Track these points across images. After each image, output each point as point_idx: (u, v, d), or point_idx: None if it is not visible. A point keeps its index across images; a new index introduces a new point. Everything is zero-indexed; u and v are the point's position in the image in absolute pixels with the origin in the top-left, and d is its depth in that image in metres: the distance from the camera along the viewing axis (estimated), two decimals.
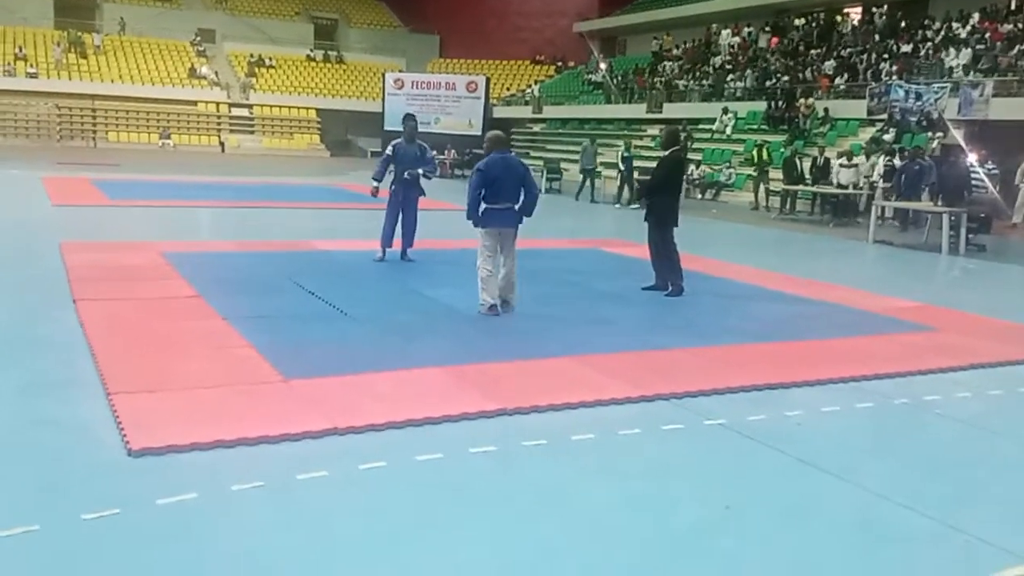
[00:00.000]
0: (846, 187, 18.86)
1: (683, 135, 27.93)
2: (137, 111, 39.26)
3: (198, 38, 44.58)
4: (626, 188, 21.83)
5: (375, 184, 10.60)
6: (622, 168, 22.02)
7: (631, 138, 32.93)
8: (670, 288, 9.25)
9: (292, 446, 4.50)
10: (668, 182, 9.42)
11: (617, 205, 21.57)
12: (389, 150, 10.47)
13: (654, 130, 32.15)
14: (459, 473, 4.32)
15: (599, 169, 23.73)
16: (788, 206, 20.67)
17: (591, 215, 20.12)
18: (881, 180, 19.02)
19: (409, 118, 10.69)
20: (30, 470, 4.09)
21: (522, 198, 8.04)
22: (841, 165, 19.22)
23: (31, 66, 38.28)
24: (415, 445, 4.59)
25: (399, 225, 10.49)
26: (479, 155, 9.57)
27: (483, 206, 7.89)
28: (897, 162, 18.80)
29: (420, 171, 10.40)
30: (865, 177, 19.43)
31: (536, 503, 4.03)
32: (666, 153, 9.39)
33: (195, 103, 41.08)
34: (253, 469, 4.17)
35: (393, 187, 10.46)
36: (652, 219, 9.37)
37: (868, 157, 20.30)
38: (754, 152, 22.55)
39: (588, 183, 22.93)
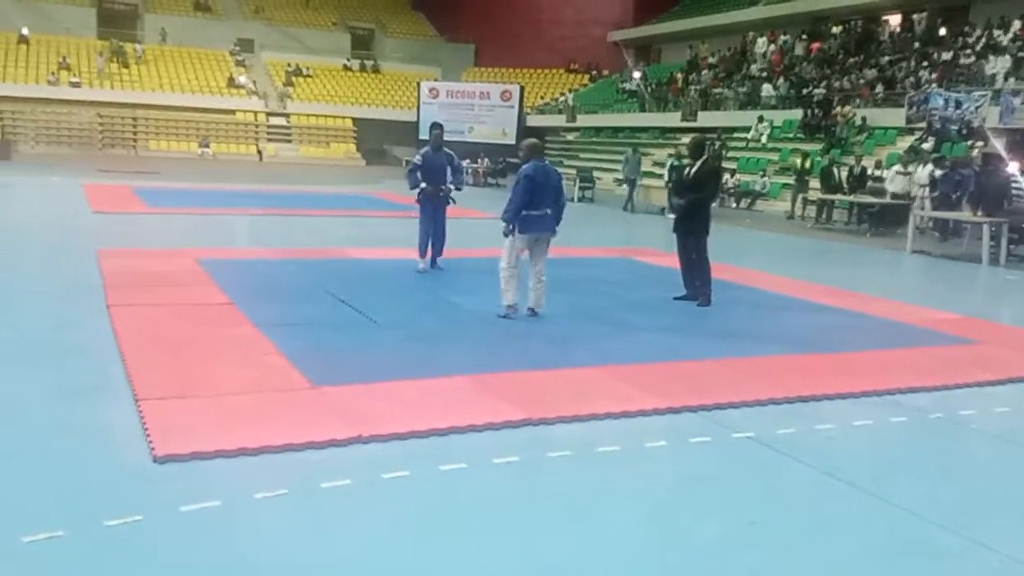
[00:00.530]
0: (901, 195, 18.38)
1: (717, 143, 27.90)
2: (177, 120, 39.80)
3: (237, 48, 45.14)
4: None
5: (417, 192, 10.51)
6: (667, 177, 21.23)
7: (666, 146, 32.89)
8: (700, 299, 9.17)
9: (317, 454, 4.51)
10: (706, 192, 9.36)
11: (664, 214, 20.63)
12: (418, 159, 10.48)
13: (688, 138, 32.03)
14: (482, 483, 4.30)
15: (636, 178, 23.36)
16: (824, 215, 20.42)
17: (633, 225, 20.03)
18: (926, 190, 18.61)
19: (435, 127, 10.69)
20: (56, 475, 4.13)
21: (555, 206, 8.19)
22: (898, 172, 18.90)
23: (74, 75, 38.99)
24: (439, 454, 4.57)
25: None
26: (512, 163, 9.61)
27: (523, 212, 7.96)
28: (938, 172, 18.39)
29: (452, 186, 10.48)
30: (921, 186, 18.90)
31: (559, 515, 3.99)
32: (698, 163, 9.32)
33: (234, 112, 41.58)
34: (277, 477, 4.18)
35: (421, 197, 10.45)
36: (687, 229, 9.30)
37: (906, 166, 19.92)
38: (797, 161, 22.29)
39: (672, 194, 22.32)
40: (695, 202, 9.27)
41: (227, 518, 3.78)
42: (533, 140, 8.51)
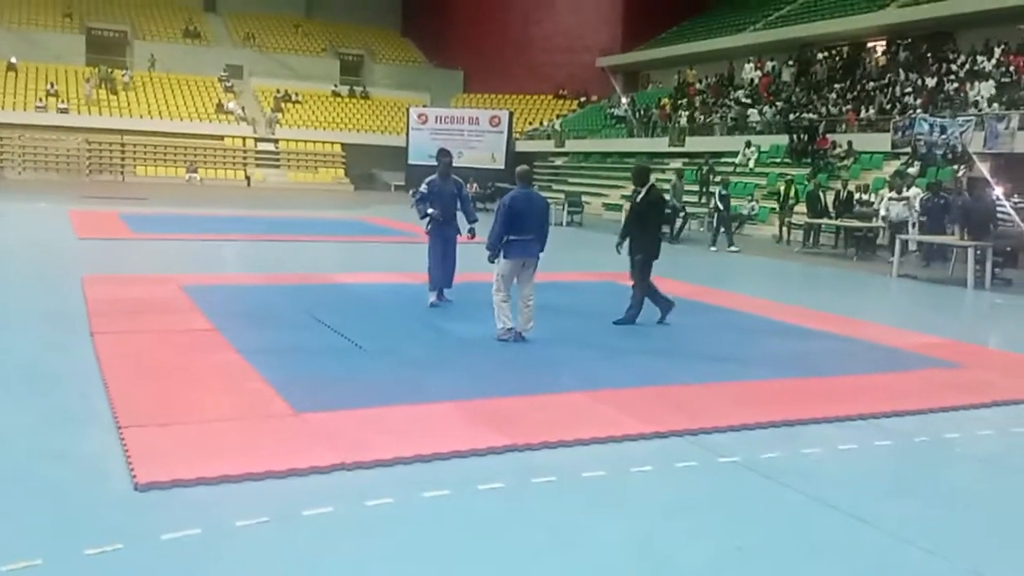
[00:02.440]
0: (897, 223, 17.19)
1: (705, 168, 27.85)
2: (165, 146, 39.80)
3: (226, 74, 45.26)
4: (722, 229, 19.58)
5: (426, 222, 9.93)
6: (720, 207, 19.76)
7: (653, 171, 33.03)
8: (634, 314, 9.29)
9: (299, 481, 4.47)
10: (649, 221, 9.41)
11: (713, 248, 19.17)
12: (425, 188, 9.87)
13: (676, 163, 32.22)
14: (467, 511, 4.26)
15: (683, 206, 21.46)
16: (811, 240, 20.52)
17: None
18: (916, 214, 18.55)
19: (444, 154, 10.17)
20: (36, 503, 4.09)
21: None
22: (891, 199, 17.61)
23: (62, 102, 39.01)
24: (423, 481, 4.54)
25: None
26: (501, 188, 9.59)
27: (506, 238, 8.07)
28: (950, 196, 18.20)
29: (469, 227, 10.02)
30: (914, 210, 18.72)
31: (544, 542, 3.96)
32: (643, 193, 9.34)
33: (222, 138, 41.63)
34: (258, 504, 4.14)
35: (430, 227, 9.93)
36: (642, 256, 9.30)
37: (900, 192, 19.88)
38: (781, 187, 22.40)
39: (720, 225, 20.02)
40: (631, 230, 9.35)
41: (208, 546, 3.74)
42: (523, 168, 8.64)
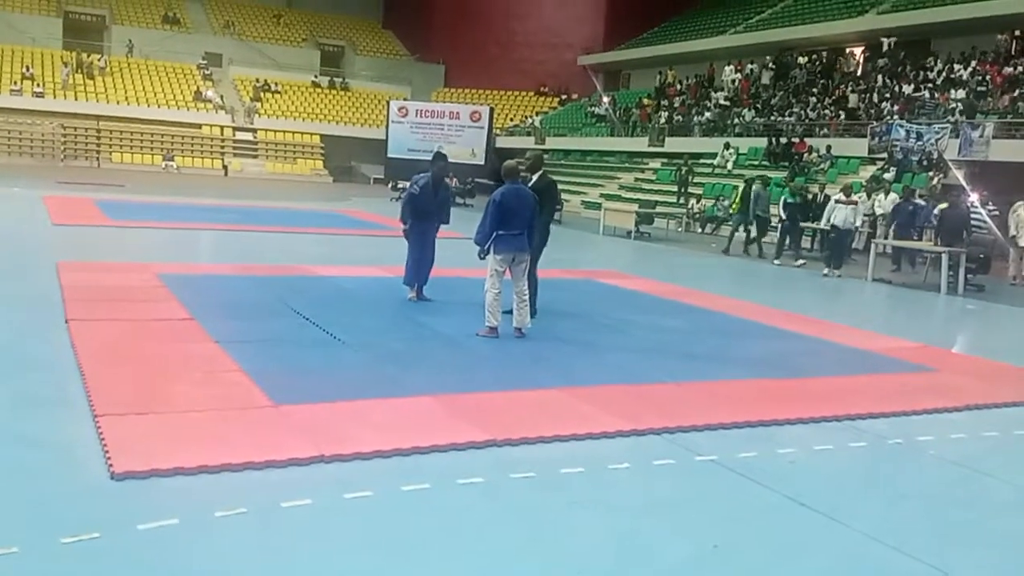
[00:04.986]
0: (841, 228, 16.11)
1: (684, 169, 27.78)
2: (142, 133, 39.41)
3: (205, 62, 44.87)
4: (787, 239, 18.11)
5: (404, 228, 9.70)
6: (783, 216, 18.04)
7: (633, 170, 33.16)
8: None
9: (278, 473, 4.46)
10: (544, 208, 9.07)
11: (776, 262, 17.51)
12: (416, 189, 9.51)
13: (656, 163, 32.34)
14: (446, 505, 4.27)
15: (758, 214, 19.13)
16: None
17: (601, 247, 20.10)
18: (866, 221, 18.53)
19: (440, 157, 9.86)
20: (12, 491, 4.04)
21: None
22: (837, 202, 16.41)
23: (38, 86, 38.51)
24: (402, 475, 4.54)
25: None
26: (481, 184, 9.48)
27: (497, 232, 8.05)
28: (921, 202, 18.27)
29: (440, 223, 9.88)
30: (865, 215, 18.43)
31: (522, 537, 3.98)
32: (535, 178, 9.02)
33: (200, 126, 41.26)
34: (237, 495, 4.13)
35: (410, 223, 9.66)
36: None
37: (869, 195, 20.17)
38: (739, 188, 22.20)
39: (756, 234, 18.63)
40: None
41: (186, 537, 3.72)
42: (510, 163, 8.54)
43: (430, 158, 9.91)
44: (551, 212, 9.72)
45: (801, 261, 17.43)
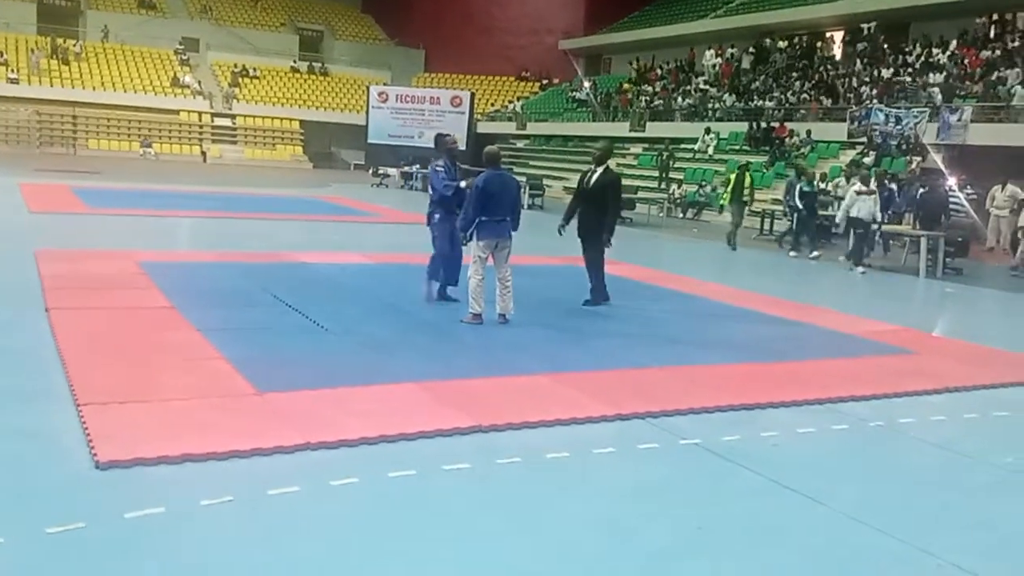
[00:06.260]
0: (867, 221, 14.73)
1: (665, 154, 27.65)
2: (119, 119, 38.97)
3: (182, 47, 44.40)
4: (803, 233, 17.06)
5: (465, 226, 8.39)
6: (799, 205, 16.81)
7: (614, 156, 33.12)
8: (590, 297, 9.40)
9: (263, 461, 4.45)
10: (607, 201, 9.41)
11: (793, 253, 16.84)
12: (451, 181, 8.74)
13: (637, 148, 32.36)
14: (432, 490, 4.28)
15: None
16: (769, 227, 20.75)
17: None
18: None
19: (443, 141, 9.50)
20: None
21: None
22: (858, 193, 14.73)
23: (12, 71, 37.99)
24: (388, 461, 4.55)
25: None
26: (465, 170, 9.43)
27: (479, 219, 8.04)
28: (894, 187, 18.24)
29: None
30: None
31: (508, 522, 4.00)
32: (599, 171, 9.34)
33: (177, 112, 40.86)
34: (223, 484, 4.12)
35: (440, 216, 8.91)
36: (594, 237, 9.34)
37: (867, 184, 19.86)
38: (731, 177, 22.27)
39: (802, 228, 17.06)
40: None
41: (172, 525, 3.71)
42: (492, 149, 8.54)
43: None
44: (616, 212, 9.66)
45: (816, 253, 16.36)
